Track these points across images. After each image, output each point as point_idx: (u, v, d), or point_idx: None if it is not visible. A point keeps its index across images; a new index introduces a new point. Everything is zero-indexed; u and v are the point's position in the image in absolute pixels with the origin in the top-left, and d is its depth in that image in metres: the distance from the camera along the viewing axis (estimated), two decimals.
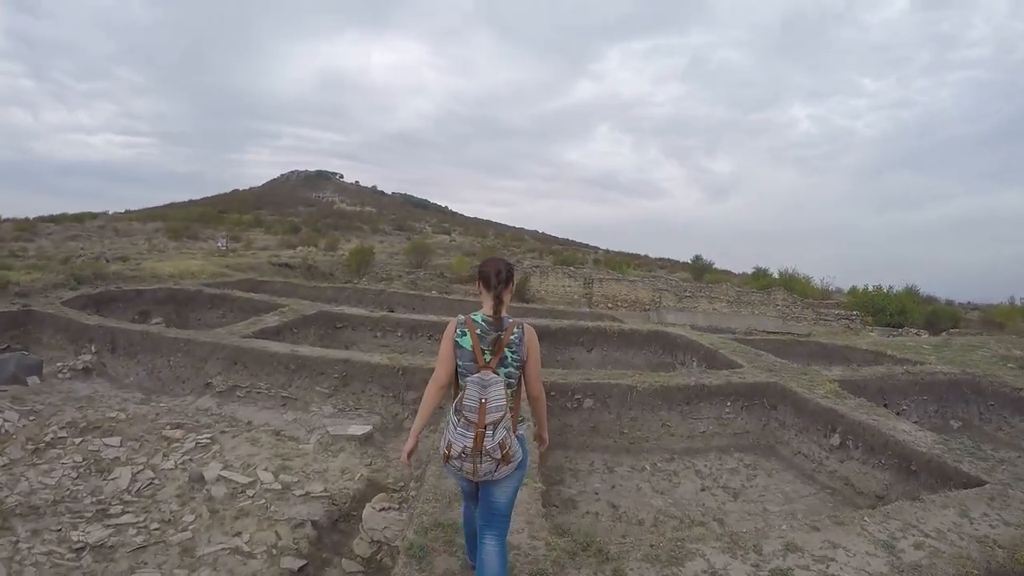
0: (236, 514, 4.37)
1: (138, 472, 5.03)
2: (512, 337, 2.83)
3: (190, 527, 4.21)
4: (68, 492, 4.68)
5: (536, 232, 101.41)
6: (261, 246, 34.73)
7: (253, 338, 8.37)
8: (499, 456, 2.64)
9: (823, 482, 6.08)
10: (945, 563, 3.28)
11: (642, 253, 64.43)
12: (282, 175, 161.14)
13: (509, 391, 2.78)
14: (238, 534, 4.13)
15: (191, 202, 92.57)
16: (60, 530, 4.15)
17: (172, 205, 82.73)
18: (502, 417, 2.65)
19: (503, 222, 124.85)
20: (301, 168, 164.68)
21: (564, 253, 46.52)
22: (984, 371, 8.70)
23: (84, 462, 5.17)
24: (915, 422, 6.85)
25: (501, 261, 2.96)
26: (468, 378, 2.73)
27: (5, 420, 5.84)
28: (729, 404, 7.05)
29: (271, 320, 9.69)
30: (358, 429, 6.20)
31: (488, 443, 2.62)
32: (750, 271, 37.84)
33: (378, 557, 4.10)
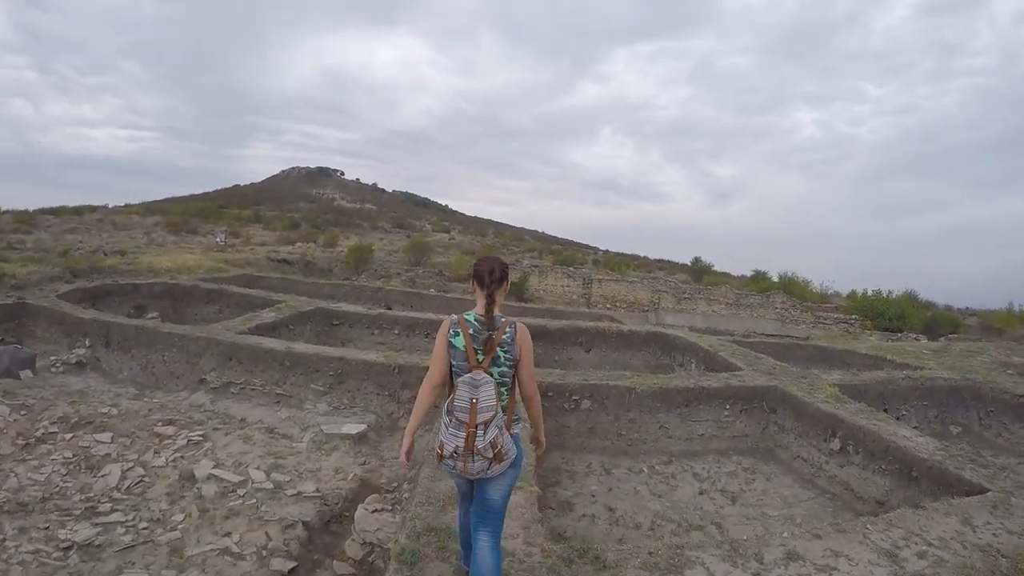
0: (226, 514, 4.30)
1: (128, 469, 4.96)
2: (504, 336, 2.80)
3: (179, 527, 4.14)
4: (57, 489, 4.61)
5: (537, 232, 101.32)
6: (260, 242, 34.61)
7: (248, 334, 8.29)
8: (491, 455, 2.64)
9: (822, 487, 6.02)
10: (949, 573, 3.22)
11: (641, 254, 64.38)
12: (283, 171, 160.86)
13: (502, 390, 2.77)
14: (228, 534, 4.06)
15: (191, 197, 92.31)
16: (48, 528, 4.08)
17: (172, 199, 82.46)
18: (493, 417, 2.65)
19: (505, 221, 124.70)
20: (302, 164, 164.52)
21: (563, 253, 46.43)
22: (984, 377, 8.65)
23: (74, 458, 5.10)
24: (915, 427, 6.80)
25: (496, 260, 2.93)
26: (460, 378, 2.73)
27: None
28: (728, 407, 6.99)
29: (267, 316, 9.61)
30: (352, 428, 6.12)
31: (479, 442, 2.62)
32: (749, 274, 37.83)
33: (370, 559, 4.03)
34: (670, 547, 3.28)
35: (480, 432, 2.62)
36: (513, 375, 2.88)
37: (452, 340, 2.82)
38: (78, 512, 4.30)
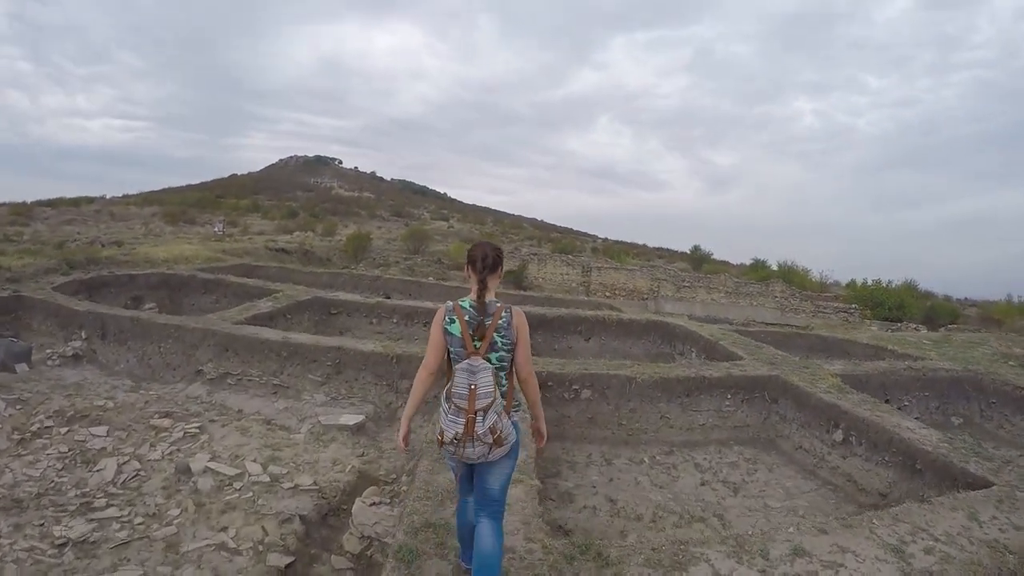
0: (222, 508, 4.24)
1: (124, 463, 4.89)
2: (500, 321, 2.79)
3: (175, 521, 4.08)
4: (52, 484, 4.55)
5: (535, 220, 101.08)
6: (258, 231, 34.47)
7: (245, 324, 8.22)
8: (490, 440, 2.66)
9: (825, 478, 5.98)
10: (956, 570, 3.17)
11: (640, 242, 64.26)
12: (280, 160, 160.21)
13: (500, 375, 2.77)
14: (224, 529, 4.00)
15: (189, 187, 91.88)
16: (43, 524, 4.02)
17: (170, 190, 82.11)
18: (492, 402, 2.66)
19: (503, 210, 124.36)
20: (300, 153, 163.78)
21: (563, 241, 46.32)
22: (986, 368, 8.60)
23: (70, 453, 5.04)
24: (916, 418, 6.75)
25: (489, 246, 2.93)
26: (458, 365, 2.73)
27: None
28: (729, 397, 6.94)
29: (264, 306, 9.53)
30: (350, 419, 6.06)
31: (479, 428, 2.64)
32: (749, 263, 37.76)
33: (368, 553, 3.98)
34: (674, 543, 3.22)
35: (479, 418, 2.63)
36: (511, 360, 2.88)
37: (448, 327, 2.82)
38: (73, 508, 4.24)
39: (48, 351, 8.03)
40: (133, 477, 4.70)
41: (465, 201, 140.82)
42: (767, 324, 17.75)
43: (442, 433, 2.70)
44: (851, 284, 28.39)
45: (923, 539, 3.47)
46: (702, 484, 5.67)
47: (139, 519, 4.12)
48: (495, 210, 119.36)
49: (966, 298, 33.34)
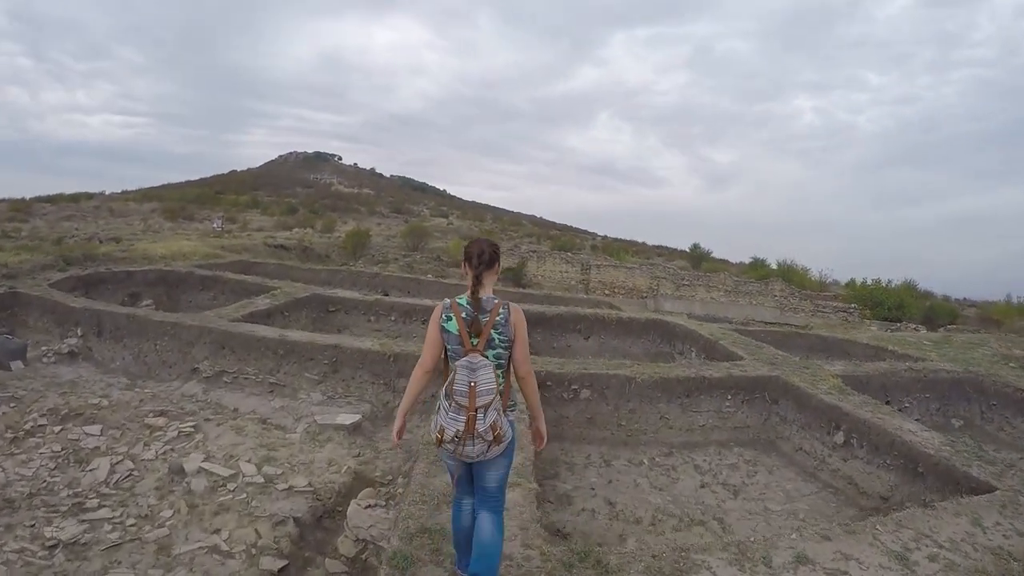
0: (216, 509, 4.18)
1: (117, 463, 4.84)
2: (498, 318, 2.77)
3: (167, 523, 4.03)
4: (45, 484, 4.50)
5: (535, 217, 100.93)
6: (257, 227, 34.36)
7: (242, 321, 8.15)
8: (491, 438, 2.66)
9: (825, 480, 5.92)
10: None
11: (639, 240, 64.16)
12: (280, 156, 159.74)
13: (498, 372, 2.74)
14: (217, 531, 3.95)
15: (188, 183, 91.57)
16: (34, 525, 3.97)
17: (169, 186, 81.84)
18: (492, 400, 2.65)
19: (502, 206, 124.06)
20: (299, 149, 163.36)
21: (562, 238, 46.20)
22: (987, 370, 8.54)
23: (63, 452, 4.99)
24: (917, 420, 6.70)
25: (486, 242, 2.92)
26: (457, 362, 2.70)
27: None
28: (730, 397, 6.88)
29: (262, 303, 9.47)
30: (347, 418, 6.00)
31: (480, 426, 2.63)
32: (748, 261, 37.69)
33: (363, 556, 3.92)
34: (674, 549, 3.16)
35: (480, 415, 2.62)
36: (508, 357, 2.87)
37: (445, 325, 2.81)
38: (65, 508, 4.19)
39: (44, 348, 7.96)
40: (126, 477, 4.65)
41: (464, 198, 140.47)
42: (766, 323, 17.70)
43: (442, 431, 2.68)
44: (850, 283, 28.33)
45: (927, 546, 3.42)
46: (702, 486, 5.61)
47: (131, 520, 4.07)
48: (494, 207, 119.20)
49: (965, 298, 33.28)
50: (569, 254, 27.52)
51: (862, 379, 7.37)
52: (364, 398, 6.84)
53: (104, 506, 4.24)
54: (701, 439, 6.71)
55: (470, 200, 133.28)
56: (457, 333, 2.76)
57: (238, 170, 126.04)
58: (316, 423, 5.92)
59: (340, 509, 4.45)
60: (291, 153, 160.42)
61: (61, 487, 4.48)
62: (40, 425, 5.45)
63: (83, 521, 4.03)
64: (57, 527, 3.94)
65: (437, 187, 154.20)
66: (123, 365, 7.82)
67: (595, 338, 10.83)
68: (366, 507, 4.34)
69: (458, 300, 2.84)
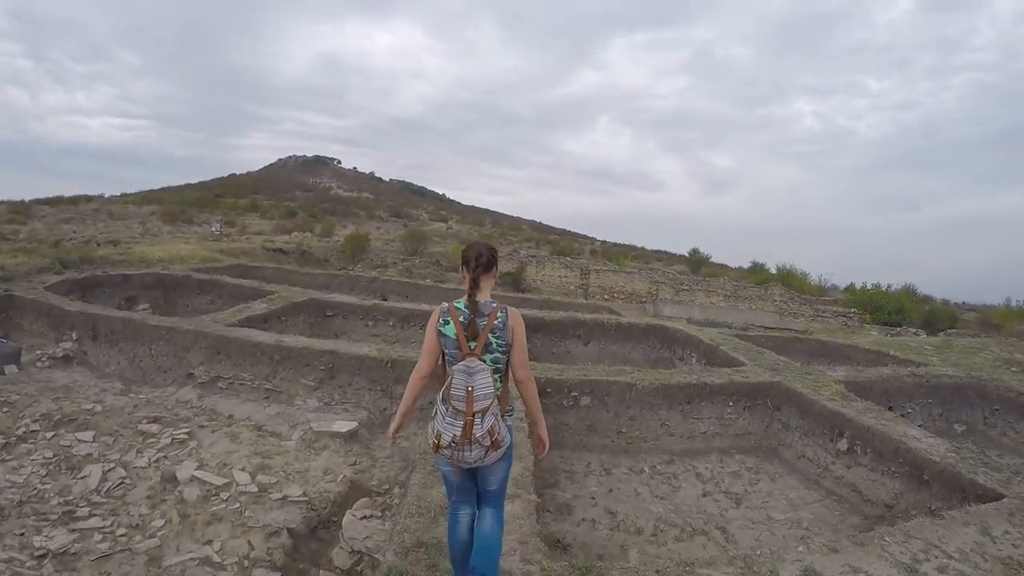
0: (208, 519, 4.09)
1: (109, 470, 4.75)
2: (496, 322, 2.74)
3: (158, 533, 3.93)
4: (35, 492, 4.41)
5: (534, 222, 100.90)
6: (256, 231, 34.31)
7: (238, 326, 8.07)
8: (488, 443, 2.63)
9: (829, 488, 5.84)
10: None
11: (638, 244, 64.11)
12: (280, 160, 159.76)
13: (496, 377, 2.71)
14: (209, 542, 3.85)
15: (188, 186, 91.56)
16: (23, 534, 3.88)
17: (168, 189, 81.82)
18: (490, 404, 2.63)
19: (501, 211, 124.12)
20: (299, 153, 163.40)
21: (561, 243, 46.15)
22: (989, 375, 8.48)
23: (55, 458, 4.90)
24: (920, 425, 6.63)
25: (484, 245, 2.89)
26: (454, 366, 2.67)
27: None
28: (731, 404, 6.80)
29: (258, 307, 9.38)
30: (343, 425, 5.91)
31: (478, 431, 2.60)
32: (747, 265, 37.64)
33: (359, 569, 3.82)
34: (679, 564, 3.07)
35: (478, 420, 2.59)
36: (506, 361, 2.84)
37: (442, 329, 2.78)
38: (55, 517, 4.10)
39: (38, 352, 7.88)
40: (118, 485, 4.56)
41: (464, 202, 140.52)
42: (766, 328, 17.64)
43: (439, 436, 2.64)
44: (850, 288, 28.29)
45: (936, 556, 3.34)
46: (704, 495, 5.53)
47: (122, 530, 3.97)
48: (494, 211, 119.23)
49: (964, 302, 33.25)
50: (568, 259, 27.47)
51: (864, 385, 7.30)
52: (361, 405, 6.75)
53: (95, 515, 4.14)
54: (703, 446, 6.63)
55: (469, 204, 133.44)
56: (454, 337, 2.73)
57: (237, 173, 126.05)
58: (312, 430, 5.82)
59: (335, 519, 4.35)
60: (291, 157, 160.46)
61: (52, 495, 4.39)
62: (32, 431, 5.37)
63: (73, 530, 3.94)
64: (47, 536, 3.85)
65: (436, 191, 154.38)
66: (118, 370, 7.73)
67: (595, 343, 10.74)
68: (362, 518, 4.24)
69: (456, 304, 2.81)
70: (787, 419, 6.71)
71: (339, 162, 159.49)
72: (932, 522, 3.78)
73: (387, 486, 4.91)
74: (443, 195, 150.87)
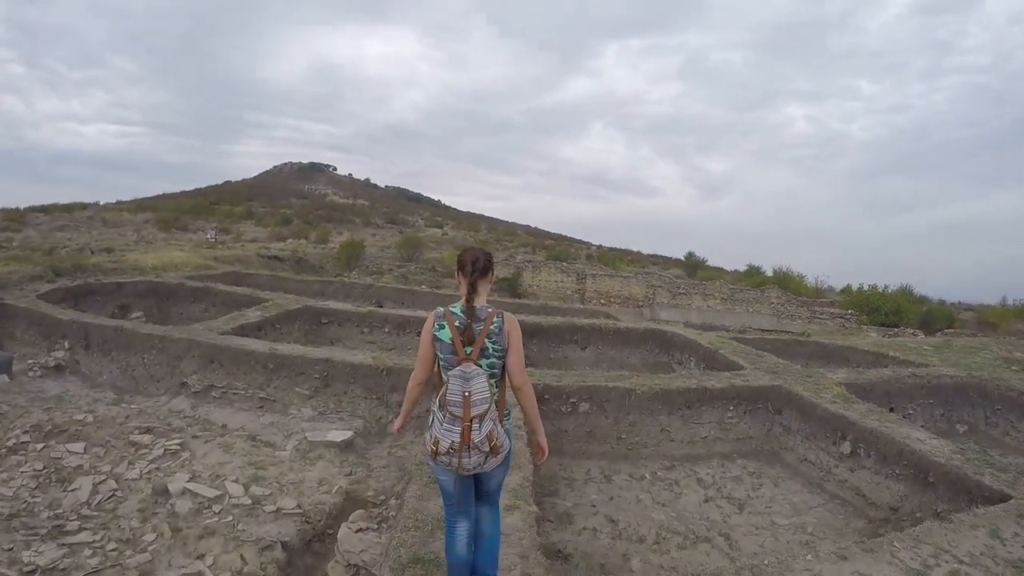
0: (200, 533, 3.99)
1: (100, 482, 4.65)
2: (492, 327, 2.69)
3: (150, 548, 3.83)
4: (25, 505, 4.30)
5: (529, 227, 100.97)
6: (251, 238, 34.20)
7: (232, 335, 7.96)
8: (487, 449, 2.60)
9: (832, 492, 5.76)
10: None
11: (634, 249, 64.16)
12: (275, 167, 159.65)
13: (492, 382, 2.67)
14: (201, 557, 3.76)
15: (183, 193, 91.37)
16: (12, 549, 3.78)
17: (163, 196, 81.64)
18: (487, 410, 2.60)
19: (497, 216, 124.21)
20: (294, 160, 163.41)
21: (557, 248, 46.14)
22: (990, 374, 8.44)
23: (45, 470, 4.79)
24: (922, 426, 6.57)
25: (480, 250, 2.86)
26: (450, 371, 2.62)
27: None
28: (732, 408, 6.72)
29: (252, 315, 9.28)
30: (338, 435, 5.79)
31: (476, 436, 2.57)
32: (743, 269, 37.67)
33: None
34: (685, 575, 2.99)
35: (476, 425, 2.56)
36: (502, 366, 2.79)
37: (437, 333, 2.74)
38: (44, 531, 4.00)
39: (30, 361, 7.77)
40: (109, 498, 4.46)
41: (459, 208, 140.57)
42: (764, 331, 17.60)
43: (437, 442, 2.60)
44: (847, 289, 28.29)
45: (947, 561, 3.27)
46: (706, 501, 5.44)
47: (112, 545, 3.88)
48: (489, 217, 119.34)
49: (960, 302, 33.29)
50: (564, 264, 27.45)
51: (865, 386, 7.24)
52: (356, 413, 6.65)
53: (85, 529, 4.05)
54: (703, 451, 6.54)
55: (465, 210, 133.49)
56: (450, 342, 2.69)
57: (233, 180, 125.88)
58: (307, 440, 5.71)
59: (331, 532, 4.24)
60: (286, 164, 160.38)
61: (42, 508, 4.29)
62: (23, 442, 5.25)
63: (63, 545, 3.85)
64: (36, 551, 3.75)
65: (432, 198, 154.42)
66: (110, 379, 7.63)
67: (592, 348, 10.66)
68: (357, 530, 4.14)
69: (451, 308, 2.78)
70: (788, 423, 6.64)
71: (335, 169, 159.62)
72: (941, 526, 3.70)
73: (383, 497, 4.81)
74: (438, 201, 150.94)
